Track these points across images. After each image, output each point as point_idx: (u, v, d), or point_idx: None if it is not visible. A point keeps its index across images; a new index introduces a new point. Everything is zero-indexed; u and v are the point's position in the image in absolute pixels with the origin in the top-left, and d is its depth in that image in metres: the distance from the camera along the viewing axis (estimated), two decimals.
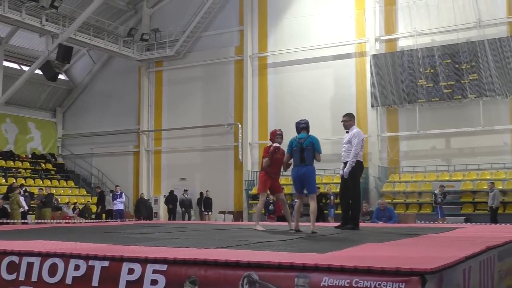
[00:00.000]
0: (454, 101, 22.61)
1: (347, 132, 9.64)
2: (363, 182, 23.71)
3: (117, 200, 23.60)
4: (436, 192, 20.52)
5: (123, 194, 24.49)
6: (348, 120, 9.69)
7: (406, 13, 23.92)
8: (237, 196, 26.66)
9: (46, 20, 24.98)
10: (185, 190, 26.36)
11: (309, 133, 8.92)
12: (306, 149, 8.61)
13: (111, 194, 24.80)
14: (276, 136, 9.56)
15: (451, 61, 22.61)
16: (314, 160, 8.72)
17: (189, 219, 25.56)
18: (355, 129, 9.52)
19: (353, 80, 24.91)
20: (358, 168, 9.41)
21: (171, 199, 26.31)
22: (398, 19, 24.23)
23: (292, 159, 8.83)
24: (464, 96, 22.29)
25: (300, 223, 9.06)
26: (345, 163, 9.40)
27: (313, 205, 8.72)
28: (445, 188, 20.65)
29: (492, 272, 5.07)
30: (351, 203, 9.61)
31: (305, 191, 8.91)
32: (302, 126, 8.97)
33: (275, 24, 27.15)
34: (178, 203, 26.32)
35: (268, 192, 9.98)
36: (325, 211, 22.54)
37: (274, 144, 9.47)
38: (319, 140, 8.75)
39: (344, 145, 9.59)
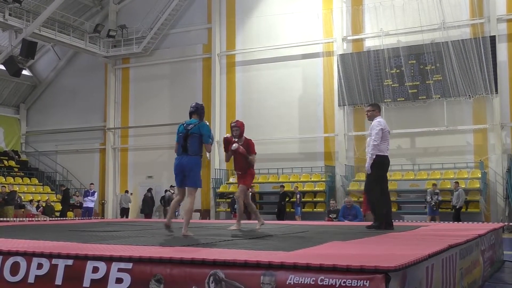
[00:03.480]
0: (418, 101, 22.97)
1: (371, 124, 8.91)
2: (330, 180, 23.96)
3: (88, 197, 23.33)
4: (428, 190, 20.62)
5: (96, 193, 24.22)
6: (372, 110, 8.85)
7: (372, 14, 24.20)
8: (204, 194, 26.56)
9: (10, 14, 24.46)
10: (171, 186, 25.79)
11: (203, 120, 7.69)
12: (191, 135, 7.41)
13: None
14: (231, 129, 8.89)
15: (416, 62, 22.97)
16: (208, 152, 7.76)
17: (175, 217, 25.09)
18: (376, 120, 8.73)
19: (321, 80, 25.10)
20: (380, 163, 8.52)
21: (148, 198, 25.95)
22: (365, 19, 24.50)
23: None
24: (429, 96, 22.68)
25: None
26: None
27: (188, 202, 7.50)
28: (437, 188, 20.54)
29: (454, 270, 5.17)
30: (373, 201, 8.81)
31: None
32: (191, 110, 7.70)
33: (243, 22, 27.16)
34: (161, 201, 25.98)
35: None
36: (291, 209, 22.69)
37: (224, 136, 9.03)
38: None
39: (367, 138, 8.93)
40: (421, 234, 7.46)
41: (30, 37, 24.89)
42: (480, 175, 21.54)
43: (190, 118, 7.70)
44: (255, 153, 9.21)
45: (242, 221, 9.49)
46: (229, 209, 23.89)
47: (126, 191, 27.80)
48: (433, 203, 20.07)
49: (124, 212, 26.99)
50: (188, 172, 7.41)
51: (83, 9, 30.45)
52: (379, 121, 8.63)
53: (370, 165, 8.46)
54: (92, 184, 24.87)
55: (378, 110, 8.91)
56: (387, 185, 8.79)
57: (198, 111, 7.67)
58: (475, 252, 6.52)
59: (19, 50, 24.46)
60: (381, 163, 8.52)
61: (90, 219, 21.45)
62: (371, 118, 8.80)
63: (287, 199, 22.76)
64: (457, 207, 20.05)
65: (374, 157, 8.39)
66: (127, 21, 29.68)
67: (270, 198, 23.71)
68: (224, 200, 25.04)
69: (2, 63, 25.10)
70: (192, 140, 7.42)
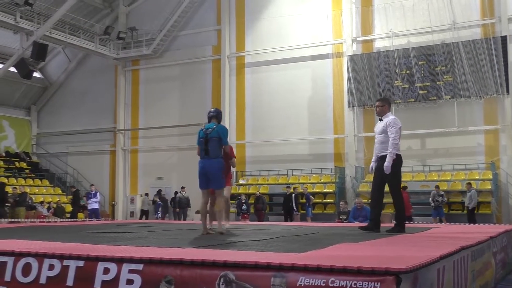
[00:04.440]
0: (429, 102, 22.86)
1: (380, 120, 8.44)
2: (339, 182, 23.90)
3: (92, 199, 23.43)
4: (432, 192, 20.61)
5: (98, 193, 24.31)
6: (382, 106, 8.47)
7: (382, 14, 24.12)
8: None
9: (21, 17, 24.63)
10: (182, 187, 25.65)
11: (220, 123, 8.16)
12: (210, 140, 7.87)
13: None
14: None
15: (427, 63, 22.86)
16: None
17: (185, 219, 25.01)
18: (390, 116, 8.37)
19: (330, 81, 25.04)
20: (400, 161, 8.24)
21: (163, 199, 25.84)
22: (374, 20, 24.42)
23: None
24: (439, 97, 22.56)
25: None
26: (381, 157, 8.27)
27: (219, 202, 8.00)
28: (440, 189, 20.59)
29: (466, 271, 5.14)
30: (394, 203, 8.39)
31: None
32: (211, 115, 8.12)
33: (252, 23, 27.17)
34: (171, 203, 25.82)
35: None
36: (301, 211, 22.64)
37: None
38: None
39: (377, 136, 8.44)
40: (432, 236, 7.43)
41: (41, 39, 25.05)
42: (491, 176, 21.40)
43: (209, 122, 8.10)
44: (235, 157, 9.66)
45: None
46: (235, 211, 23.91)
47: (146, 194, 27.84)
48: (433, 204, 20.10)
49: (144, 213, 27.10)
50: (211, 175, 7.94)
51: (93, 12, 30.59)
52: (396, 118, 8.35)
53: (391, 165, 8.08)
54: (92, 185, 25.00)
55: (388, 106, 8.57)
56: None
57: (218, 116, 8.15)
58: (487, 254, 6.47)
59: (30, 53, 24.61)
60: (400, 162, 8.27)
61: (99, 220, 21.54)
62: (381, 114, 8.45)
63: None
64: (470, 208, 19.96)
65: (394, 156, 8.10)
66: (137, 23, 29.79)
67: (280, 199, 23.66)
68: (233, 201, 25.00)
69: (13, 66, 25.26)
70: (212, 144, 7.87)
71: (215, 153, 7.88)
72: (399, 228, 8.31)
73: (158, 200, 26.30)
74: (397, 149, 8.15)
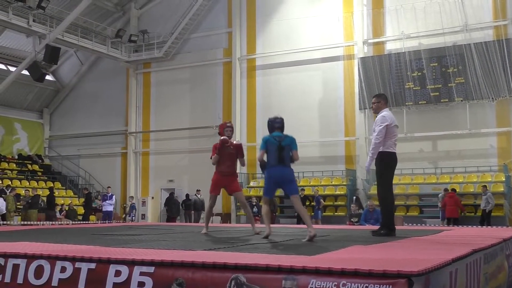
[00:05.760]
0: (441, 104, 22.75)
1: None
2: (350, 184, 23.83)
3: (107, 201, 23.51)
4: (440, 195, 20.61)
5: (114, 196, 24.37)
6: (377, 102, 8.03)
7: (393, 17, 24.04)
8: (225, 198, 26.57)
9: (33, 20, 24.82)
10: (197, 190, 25.56)
11: (285, 133, 7.99)
12: (285, 148, 7.69)
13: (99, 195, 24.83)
14: (225, 129, 8.81)
15: (438, 65, 22.76)
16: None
17: (198, 222, 24.93)
18: (381, 114, 7.91)
19: (341, 83, 24.99)
20: (387, 160, 7.77)
21: (170, 201, 26.01)
22: (385, 22, 24.35)
23: (266, 157, 7.83)
24: (451, 99, 22.44)
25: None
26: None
27: (299, 208, 8.07)
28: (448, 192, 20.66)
29: (478, 274, 5.10)
30: (379, 204, 8.10)
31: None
32: (277, 126, 7.96)
33: (263, 26, 27.19)
34: (182, 205, 25.79)
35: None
36: (311, 214, 22.63)
37: (221, 138, 8.78)
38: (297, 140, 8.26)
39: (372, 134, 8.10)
40: (444, 238, 7.38)
41: (54, 42, 25.20)
42: (504, 179, 21.25)
43: (273, 131, 7.98)
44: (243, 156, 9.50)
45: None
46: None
47: (152, 197, 27.89)
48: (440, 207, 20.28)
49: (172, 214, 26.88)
50: (289, 182, 7.91)
51: (105, 15, 30.76)
52: (384, 116, 7.84)
53: (380, 165, 7.71)
54: (109, 187, 25.09)
55: (384, 102, 8.08)
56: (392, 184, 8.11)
57: (282, 126, 8.06)
58: (500, 257, 6.42)
59: (43, 56, 24.79)
60: (389, 161, 7.80)
61: (111, 222, 21.62)
62: (377, 111, 8.05)
63: (307, 203, 22.71)
64: (487, 211, 19.85)
65: (375, 157, 7.71)
66: (149, 26, 29.93)
67: (290, 201, 23.61)
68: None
69: (26, 69, 25.45)
70: (286, 152, 7.74)
71: (288, 161, 7.79)
72: (387, 231, 7.82)
73: (132, 202, 26.47)
74: (385, 147, 7.73)
